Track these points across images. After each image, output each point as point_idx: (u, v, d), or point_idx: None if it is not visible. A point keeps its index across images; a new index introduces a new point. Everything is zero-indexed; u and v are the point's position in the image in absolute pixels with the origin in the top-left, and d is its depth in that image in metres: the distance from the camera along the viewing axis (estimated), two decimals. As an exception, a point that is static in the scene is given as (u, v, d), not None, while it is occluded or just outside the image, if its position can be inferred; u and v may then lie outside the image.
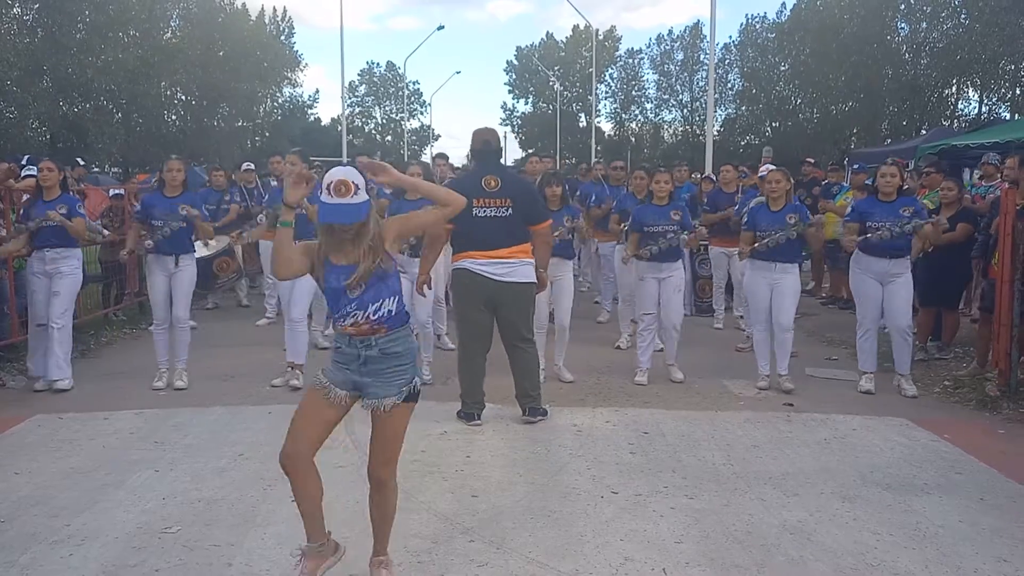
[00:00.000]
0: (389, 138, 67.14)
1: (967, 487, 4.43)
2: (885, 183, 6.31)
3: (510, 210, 5.38)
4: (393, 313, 3.11)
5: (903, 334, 6.32)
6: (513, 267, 5.39)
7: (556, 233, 6.28)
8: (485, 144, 5.63)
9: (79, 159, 9.97)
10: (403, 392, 3.13)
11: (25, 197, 7.66)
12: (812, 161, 12.34)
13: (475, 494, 4.26)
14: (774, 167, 7.80)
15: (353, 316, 3.07)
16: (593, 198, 9.30)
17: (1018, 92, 37.80)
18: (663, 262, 6.59)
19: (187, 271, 6.46)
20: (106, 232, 8.76)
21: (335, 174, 2.95)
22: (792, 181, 6.78)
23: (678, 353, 6.80)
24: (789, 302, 6.43)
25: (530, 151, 39.95)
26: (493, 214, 5.37)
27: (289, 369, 6.49)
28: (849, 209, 6.87)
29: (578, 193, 9.57)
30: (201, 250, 7.48)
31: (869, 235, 6.19)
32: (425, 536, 3.75)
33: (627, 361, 7.13)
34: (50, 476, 4.53)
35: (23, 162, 8.21)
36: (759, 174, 8.56)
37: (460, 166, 13.96)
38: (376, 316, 3.07)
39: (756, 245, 6.38)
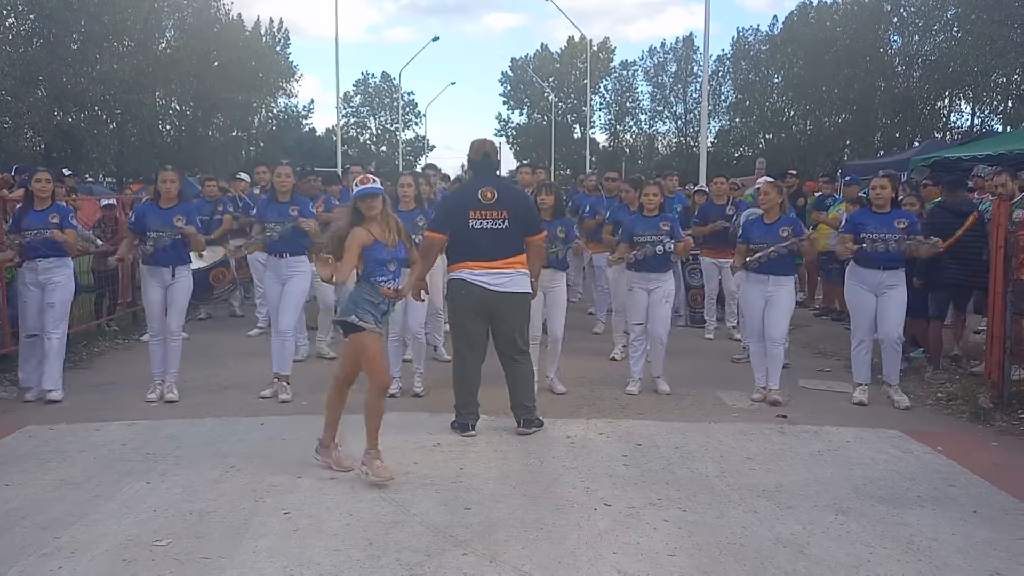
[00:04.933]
0: (384, 149, 67.21)
1: (961, 500, 4.43)
2: (876, 195, 6.35)
3: (506, 222, 5.38)
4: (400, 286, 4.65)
5: (894, 345, 6.34)
6: (509, 277, 5.39)
7: (552, 250, 6.34)
8: (484, 157, 5.63)
9: (64, 169, 9.92)
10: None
11: (19, 207, 7.65)
12: (795, 172, 12.31)
13: (468, 506, 4.24)
14: (770, 179, 7.83)
15: (391, 283, 4.57)
16: (587, 208, 9.31)
17: (1010, 105, 38.02)
18: (652, 272, 6.59)
19: (183, 283, 6.40)
20: (99, 242, 8.74)
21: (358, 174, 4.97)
22: (784, 194, 6.78)
23: (665, 364, 6.80)
24: (782, 315, 6.43)
25: (524, 161, 40.10)
26: (489, 226, 5.36)
27: (276, 380, 6.46)
28: (843, 220, 6.88)
29: (569, 204, 9.58)
30: (197, 261, 7.46)
31: (865, 245, 6.22)
32: (418, 549, 3.73)
33: (621, 373, 7.13)
34: (40, 487, 4.50)
35: (13, 172, 8.19)
36: (755, 186, 8.57)
37: (454, 178, 13.97)
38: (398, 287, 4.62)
39: (748, 260, 6.38)
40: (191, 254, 6.65)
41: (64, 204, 6.69)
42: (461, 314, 5.53)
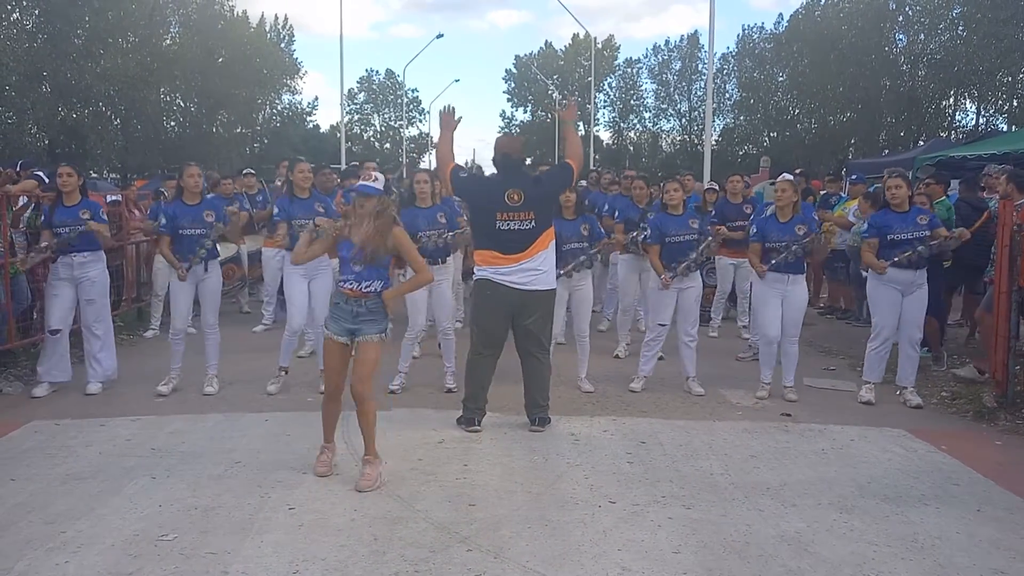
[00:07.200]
0: (388, 145, 67.16)
1: (964, 498, 4.43)
2: (892, 195, 6.31)
3: (533, 223, 5.36)
4: (377, 290, 4.46)
5: (913, 345, 6.33)
6: (536, 275, 5.36)
7: (571, 266, 6.37)
8: (504, 157, 5.55)
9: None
10: (380, 335, 4.49)
11: (22, 202, 7.65)
12: (799, 171, 12.22)
13: (473, 503, 4.25)
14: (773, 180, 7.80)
15: (351, 284, 4.46)
16: (606, 207, 9.25)
17: (1015, 104, 37.91)
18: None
19: (215, 276, 6.48)
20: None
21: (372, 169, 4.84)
22: (799, 192, 6.74)
23: (680, 364, 6.75)
24: (799, 312, 6.46)
25: (529, 159, 39.93)
26: (516, 227, 5.33)
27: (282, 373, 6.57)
28: (865, 225, 6.78)
29: (586, 202, 9.52)
30: None
31: (897, 258, 6.17)
32: (423, 545, 3.74)
33: (625, 370, 7.13)
34: (46, 483, 4.51)
35: (18, 167, 8.19)
36: (768, 181, 8.56)
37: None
38: (366, 289, 4.45)
39: (774, 262, 6.32)
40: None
41: (92, 200, 6.71)
42: (485, 313, 5.49)
